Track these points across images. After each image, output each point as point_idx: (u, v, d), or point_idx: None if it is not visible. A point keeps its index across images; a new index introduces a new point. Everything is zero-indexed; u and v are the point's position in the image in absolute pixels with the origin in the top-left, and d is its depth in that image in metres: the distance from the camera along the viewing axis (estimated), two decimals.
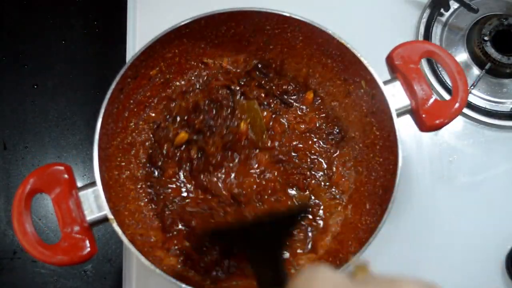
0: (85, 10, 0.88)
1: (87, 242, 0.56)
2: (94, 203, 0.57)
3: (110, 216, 0.56)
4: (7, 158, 0.81)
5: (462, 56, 0.81)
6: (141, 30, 0.81)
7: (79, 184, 0.58)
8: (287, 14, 0.64)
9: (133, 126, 0.70)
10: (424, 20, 0.82)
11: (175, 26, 0.64)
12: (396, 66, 0.61)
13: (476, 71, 0.80)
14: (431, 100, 0.60)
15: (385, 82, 0.62)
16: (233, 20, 0.67)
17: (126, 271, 0.73)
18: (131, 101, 0.68)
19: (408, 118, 0.63)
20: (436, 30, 0.82)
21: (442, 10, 0.83)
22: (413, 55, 0.62)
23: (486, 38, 0.78)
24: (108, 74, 0.84)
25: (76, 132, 0.82)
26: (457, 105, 0.60)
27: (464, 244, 0.74)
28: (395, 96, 0.61)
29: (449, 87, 0.79)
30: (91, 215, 0.56)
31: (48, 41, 0.87)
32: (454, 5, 0.83)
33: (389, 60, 0.63)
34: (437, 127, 0.61)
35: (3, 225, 0.78)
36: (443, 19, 0.83)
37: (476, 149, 0.78)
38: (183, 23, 0.64)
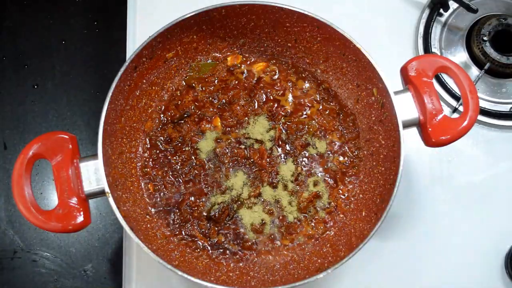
0: (85, 10, 0.89)
1: (82, 212, 0.56)
2: (93, 175, 0.58)
3: (107, 189, 0.57)
4: (7, 158, 0.81)
5: (461, 56, 0.82)
6: (141, 30, 0.81)
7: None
8: (310, 14, 0.65)
9: (144, 106, 0.70)
10: (423, 20, 0.82)
11: (195, 11, 0.64)
12: (410, 77, 0.61)
13: (475, 71, 0.80)
14: (440, 116, 0.59)
15: (396, 92, 0.61)
16: (253, 13, 0.67)
17: (126, 271, 0.73)
18: (144, 81, 0.69)
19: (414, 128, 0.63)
20: (436, 30, 0.82)
21: (441, 10, 0.83)
22: (427, 69, 0.61)
23: (485, 38, 0.78)
24: (108, 74, 0.85)
25: (76, 132, 0.82)
26: (465, 123, 0.59)
27: (463, 244, 0.74)
28: (404, 107, 0.61)
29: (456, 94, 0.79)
30: (89, 186, 0.57)
31: (48, 41, 0.87)
32: (453, 5, 0.83)
33: (403, 71, 0.62)
34: (443, 143, 0.60)
35: (3, 225, 0.78)
36: (443, 19, 0.83)
37: (475, 149, 0.78)
38: (203, 10, 0.64)
